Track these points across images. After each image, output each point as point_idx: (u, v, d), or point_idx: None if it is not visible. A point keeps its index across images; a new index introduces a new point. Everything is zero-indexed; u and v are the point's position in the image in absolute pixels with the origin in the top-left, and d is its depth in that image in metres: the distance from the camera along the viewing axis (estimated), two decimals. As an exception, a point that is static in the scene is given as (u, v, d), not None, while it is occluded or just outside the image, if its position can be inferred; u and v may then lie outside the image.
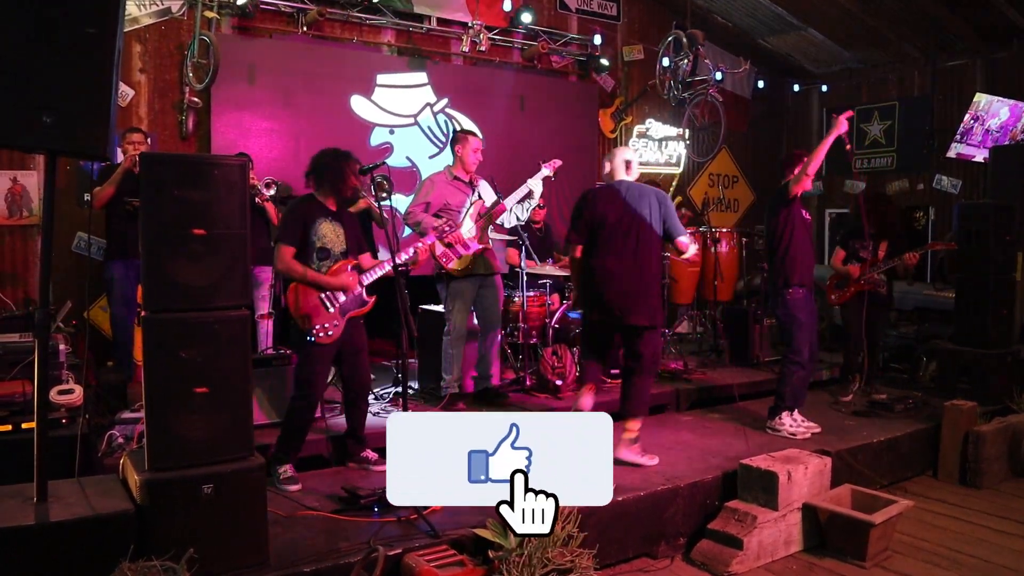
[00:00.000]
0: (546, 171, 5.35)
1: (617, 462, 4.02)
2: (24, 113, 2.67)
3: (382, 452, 4.41)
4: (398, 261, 4.05)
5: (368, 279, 4.26)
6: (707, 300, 7.91)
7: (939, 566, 3.93)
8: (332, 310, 4.11)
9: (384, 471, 4.21)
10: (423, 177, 7.56)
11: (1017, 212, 6.40)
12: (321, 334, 4.06)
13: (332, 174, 4.15)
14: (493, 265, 5.34)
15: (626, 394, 4.57)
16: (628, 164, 4.66)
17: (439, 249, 5.12)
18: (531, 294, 5.98)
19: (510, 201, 5.31)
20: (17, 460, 3.34)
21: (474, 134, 5.42)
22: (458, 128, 7.71)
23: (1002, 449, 5.28)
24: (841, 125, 4.88)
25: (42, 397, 2.95)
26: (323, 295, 4.09)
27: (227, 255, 3.07)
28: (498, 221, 5.42)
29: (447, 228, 4.96)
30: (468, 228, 5.21)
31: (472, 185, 5.33)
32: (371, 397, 5.26)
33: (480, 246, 5.24)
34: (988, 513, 4.69)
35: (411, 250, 4.41)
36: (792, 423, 5.12)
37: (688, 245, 4.61)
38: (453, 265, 5.16)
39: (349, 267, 4.19)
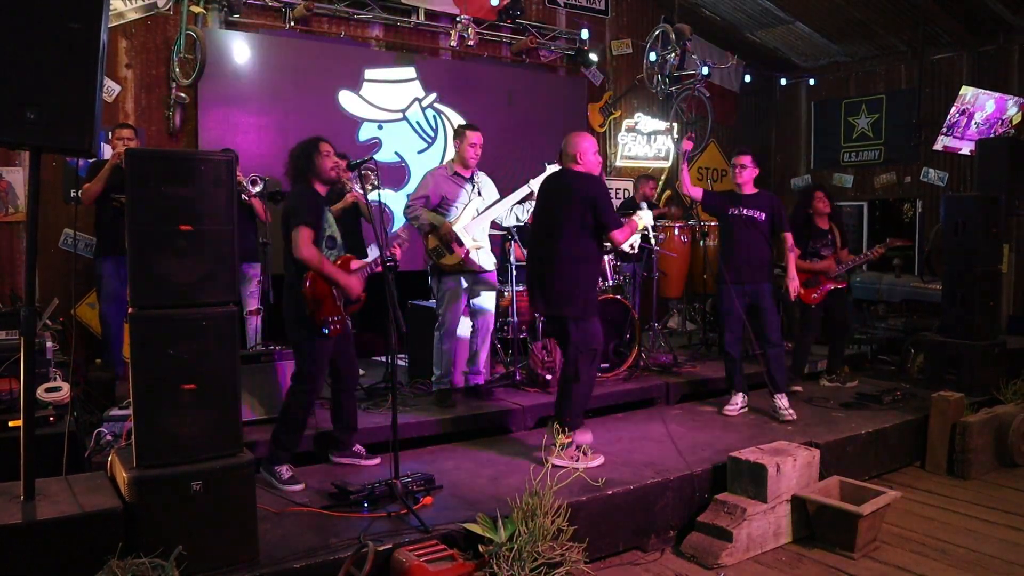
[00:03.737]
0: (551, 171, 5.07)
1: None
2: (7, 109, 2.65)
3: (371, 448, 4.43)
4: (387, 256, 4.04)
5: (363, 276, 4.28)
6: (696, 293, 7.93)
7: (927, 556, 3.96)
8: (339, 303, 4.12)
9: (374, 465, 4.25)
10: (411, 172, 7.58)
11: (1003, 204, 6.44)
12: (333, 327, 4.06)
13: (308, 159, 4.09)
14: (486, 262, 5.28)
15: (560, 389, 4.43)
16: (560, 153, 4.51)
17: (431, 243, 5.10)
18: (521, 288, 5.98)
19: (509, 201, 5.23)
20: (4, 458, 3.33)
21: (472, 128, 5.30)
22: (446, 123, 7.71)
23: (989, 440, 5.32)
24: (684, 145, 5.95)
25: (29, 395, 2.93)
26: (334, 288, 4.09)
27: (214, 251, 3.06)
28: (497, 220, 5.37)
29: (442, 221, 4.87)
30: (463, 224, 5.16)
31: (472, 180, 5.27)
32: (361, 393, 5.29)
33: (474, 243, 5.18)
34: (975, 503, 4.72)
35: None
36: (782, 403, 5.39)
37: (620, 238, 4.39)
38: (445, 260, 5.14)
39: (353, 264, 4.20)
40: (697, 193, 5.76)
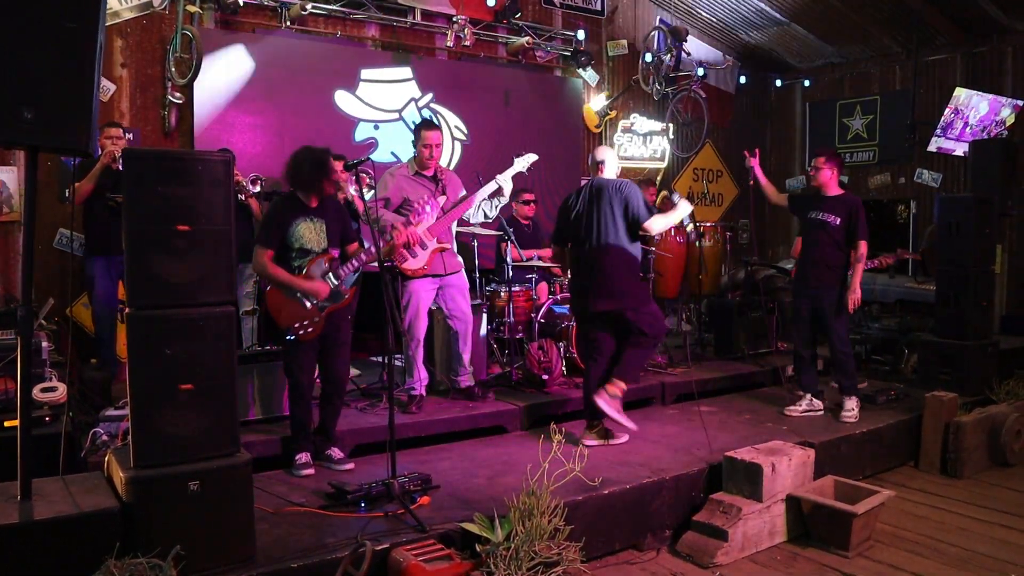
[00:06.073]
0: (519, 166, 5.20)
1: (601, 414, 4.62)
2: (4, 108, 2.65)
3: (368, 448, 4.42)
4: (381, 257, 4.03)
5: (345, 273, 4.26)
6: (692, 294, 7.94)
7: (921, 555, 3.98)
8: (309, 307, 4.16)
9: (350, 470, 4.20)
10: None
11: (996, 205, 6.48)
12: (300, 332, 4.14)
13: (312, 173, 4.17)
14: (451, 264, 5.16)
15: (617, 359, 4.74)
16: (599, 166, 4.90)
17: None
18: (517, 289, 5.99)
19: (476, 198, 5.10)
20: (0, 459, 3.32)
21: (428, 127, 5.11)
22: (443, 123, 7.70)
23: (982, 439, 5.34)
24: (751, 163, 5.80)
25: (25, 395, 2.93)
26: (299, 295, 4.15)
27: (211, 251, 3.06)
28: (464, 217, 5.24)
29: (411, 222, 4.81)
30: (427, 225, 4.98)
31: (437, 180, 5.13)
32: (358, 393, 5.29)
33: (438, 245, 5.02)
34: (968, 502, 4.75)
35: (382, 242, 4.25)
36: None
37: (652, 227, 4.70)
38: (408, 265, 4.97)
39: (325, 261, 4.21)
40: (782, 200, 5.83)
